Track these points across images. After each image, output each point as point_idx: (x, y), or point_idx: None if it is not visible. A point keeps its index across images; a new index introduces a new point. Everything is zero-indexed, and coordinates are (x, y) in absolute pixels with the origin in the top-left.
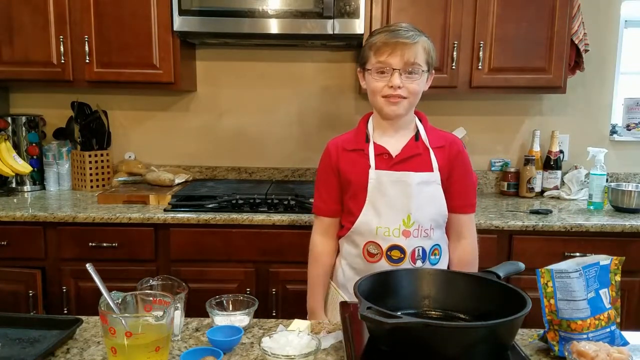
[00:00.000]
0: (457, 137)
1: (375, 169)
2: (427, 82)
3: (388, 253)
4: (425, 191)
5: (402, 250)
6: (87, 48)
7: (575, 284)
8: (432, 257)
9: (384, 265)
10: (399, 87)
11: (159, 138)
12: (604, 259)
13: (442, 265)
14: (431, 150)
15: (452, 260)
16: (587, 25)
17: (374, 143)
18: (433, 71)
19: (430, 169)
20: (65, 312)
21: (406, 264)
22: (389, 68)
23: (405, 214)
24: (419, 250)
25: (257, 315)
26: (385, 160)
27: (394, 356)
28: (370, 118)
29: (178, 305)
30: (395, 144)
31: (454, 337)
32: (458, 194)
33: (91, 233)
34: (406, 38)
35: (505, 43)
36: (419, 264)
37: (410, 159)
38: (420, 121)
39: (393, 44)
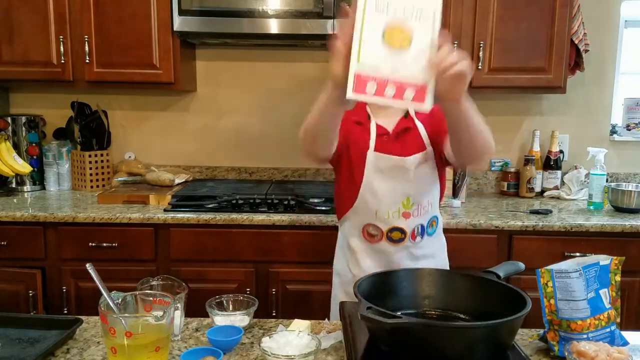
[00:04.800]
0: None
1: (374, 149)
2: None
3: (389, 234)
4: (422, 172)
5: (402, 231)
6: (87, 48)
7: (575, 284)
8: (430, 229)
9: (384, 245)
10: None
11: (159, 138)
12: (603, 259)
13: (439, 233)
14: (417, 122)
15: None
16: (587, 25)
17: (376, 123)
18: None
19: (422, 146)
20: (65, 312)
21: (407, 243)
22: None
23: (405, 197)
24: (418, 228)
25: (257, 315)
26: (385, 141)
27: (394, 356)
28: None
29: (178, 305)
30: (390, 123)
31: (454, 337)
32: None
33: (91, 233)
34: None
35: (505, 43)
36: (417, 239)
37: (405, 134)
38: None
39: None
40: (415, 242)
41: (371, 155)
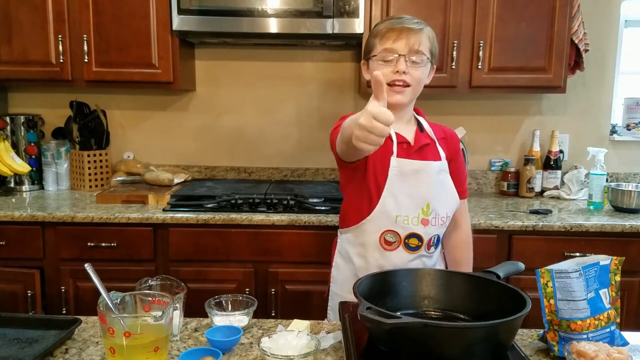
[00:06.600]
0: (453, 131)
1: (397, 156)
2: (429, 74)
3: (406, 241)
4: (441, 180)
5: (420, 238)
6: (85, 47)
7: (575, 284)
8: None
9: (401, 253)
10: (404, 73)
11: (158, 138)
12: (603, 259)
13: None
14: (437, 141)
15: (448, 255)
16: (587, 25)
17: (395, 132)
18: (435, 65)
19: (439, 158)
20: (64, 312)
21: (422, 252)
22: (395, 55)
23: (425, 203)
24: (434, 238)
25: (256, 315)
26: (405, 150)
27: (393, 356)
28: None
29: (177, 305)
30: (407, 134)
31: (453, 337)
32: (455, 182)
33: (90, 233)
34: (411, 24)
35: (505, 43)
36: (432, 250)
37: (425, 148)
38: (418, 114)
39: (398, 29)
40: (430, 252)
41: (394, 160)
